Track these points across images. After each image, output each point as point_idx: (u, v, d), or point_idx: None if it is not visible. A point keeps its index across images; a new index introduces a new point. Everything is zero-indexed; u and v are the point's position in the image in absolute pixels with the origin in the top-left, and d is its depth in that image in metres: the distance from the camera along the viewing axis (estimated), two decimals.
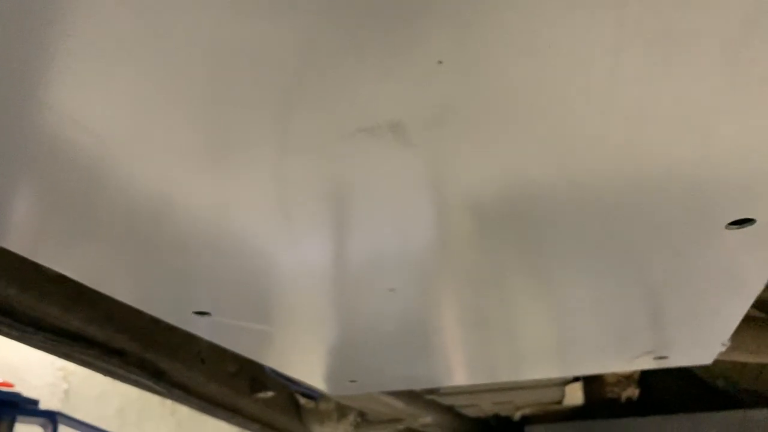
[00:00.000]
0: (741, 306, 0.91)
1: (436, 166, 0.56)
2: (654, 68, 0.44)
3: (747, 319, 1.52)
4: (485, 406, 1.86)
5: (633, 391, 1.79)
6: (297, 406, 1.93)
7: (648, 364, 1.19)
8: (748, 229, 0.68)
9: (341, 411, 1.87)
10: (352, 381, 1.28)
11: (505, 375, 1.37)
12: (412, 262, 0.75)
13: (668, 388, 1.92)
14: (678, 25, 0.40)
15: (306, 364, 1.19)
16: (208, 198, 0.60)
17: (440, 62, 0.41)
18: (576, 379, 1.70)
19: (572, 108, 0.48)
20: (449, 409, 1.86)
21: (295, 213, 0.63)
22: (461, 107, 0.47)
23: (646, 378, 1.89)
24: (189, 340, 1.45)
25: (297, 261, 0.74)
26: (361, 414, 1.89)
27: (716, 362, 1.55)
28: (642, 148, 0.53)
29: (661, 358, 1.16)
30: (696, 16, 0.40)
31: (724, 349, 1.12)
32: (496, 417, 1.97)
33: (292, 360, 1.17)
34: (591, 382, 1.78)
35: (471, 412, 1.92)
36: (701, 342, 1.08)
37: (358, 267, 0.76)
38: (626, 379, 1.79)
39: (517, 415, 1.91)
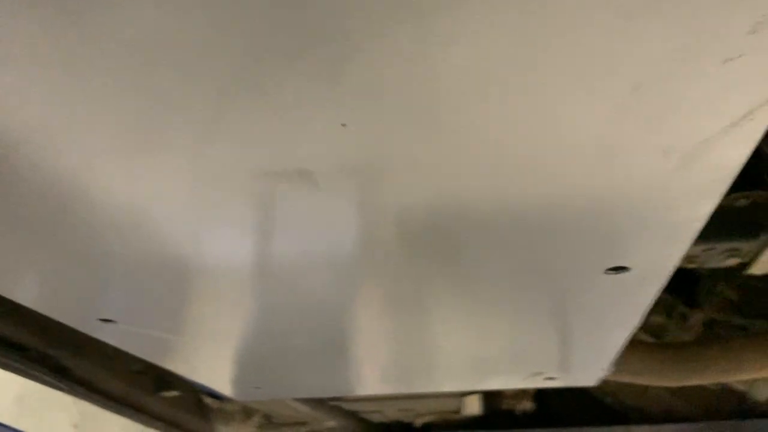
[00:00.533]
0: (620, 338, 1.00)
1: (349, 206, 0.60)
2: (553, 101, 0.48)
3: (635, 343, 1.64)
4: (389, 413, 1.92)
5: (528, 405, 1.89)
6: (202, 406, 1.93)
7: (538, 383, 1.27)
8: (623, 276, 0.75)
9: (246, 412, 1.89)
10: (257, 387, 1.31)
11: (409, 387, 1.42)
12: (325, 277, 0.78)
13: (562, 403, 2.03)
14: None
15: (210, 370, 1.20)
16: (117, 197, 0.59)
17: (344, 125, 0.45)
18: (475, 390, 1.78)
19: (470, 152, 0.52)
20: (353, 414, 1.91)
21: (207, 221, 0.65)
22: (367, 163, 0.51)
23: (542, 392, 1.99)
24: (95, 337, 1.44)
25: (206, 271, 0.76)
26: (266, 416, 1.91)
27: (605, 380, 1.67)
28: (548, 182, 0.57)
29: (550, 378, 1.24)
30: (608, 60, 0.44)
31: (605, 374, 1.21)
32: (399, 423, 2.04)
33: (196, 366, 1.19)
34: (490, 394, 1.87)
35: (375, 418, 1.97)
36: (585, 367, 1.16)
37: (269, 279, 0.78)
38: (523, 392, 1.89)
39: (419, 422, 1.98)
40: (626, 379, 1.60)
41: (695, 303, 1.76)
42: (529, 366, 1.17)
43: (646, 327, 1.81)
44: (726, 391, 1.90)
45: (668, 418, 1.95)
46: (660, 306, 1.79)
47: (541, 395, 2.00)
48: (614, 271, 0.74)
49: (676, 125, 0.49)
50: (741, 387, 1.86)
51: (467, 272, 0.77)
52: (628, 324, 0.92)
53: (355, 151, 0.48)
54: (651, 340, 1.80)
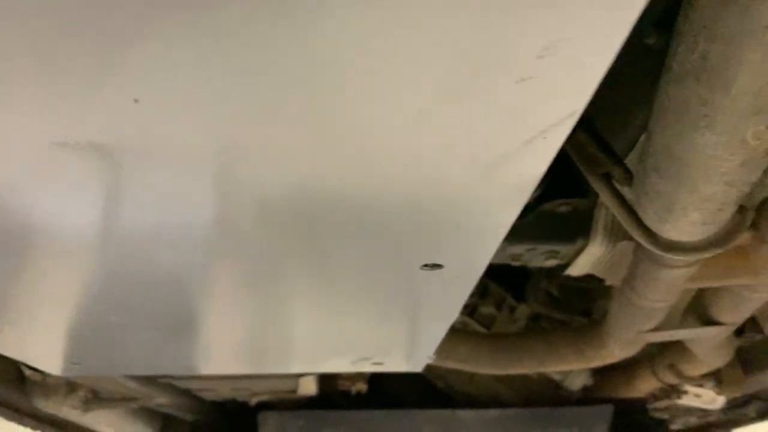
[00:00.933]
0: (440, 329, 1.04)
1: (157, 184, 0.57)
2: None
3: (463, 332, 1.72)
4: (222, 391, 1.89)
5: (362, 386, 1.94)
6: (22, 378, 1.80)
7: (366, 368, 1.30)
8: (438, 273, 0.78)
9: (70, 386, 1.78)
10: (75, 363, 1.24)
11: (243, 368, 1.41)
12: (150, 254, 0.74)
13: (396, 385, 2.10)
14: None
15: (22, 342, 1.12)
16: None
17: (136, 101, 0.43)
18: (310, 372, 1.79)
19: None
20: (186, 392, 1.86)
21: (16, 189, 0.59)
22: (167, 140, 0.49)
23: (377, 375, 2.04)
24: None
25: (21, 241, 0.70)
26: (93, 391, 1.82)
27: (437, 366, 1.74)
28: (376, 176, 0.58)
29: (377, 363, 1.27)
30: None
31: (430, 361, 1.26)
32: (234, 401, 2.01)
33: (6, 336, 1.10)
34: (326, 375, 1.89)
35: (208, 396, 1.94)
36: (409, 354, 1.20)
37: (88, 252, 0.74)
38: (358, 374, 1.93)
39: (254, 401, 1.97)
40: (454, 365, 1.68)
41: (523, 298, 1.88)
42: (357, 351, 1.19)
43: (476, 317, 1.91)
44: (545, 379, 2.05)
45: (493, 403, 2.07)
46: (491, 298, 1.89)
47: (376, 377, 2.05)
48: (429, 268, 0.76)
49: (477, 138, 0.51)
50: (557, 377, 2.02)
51: (294, 256, 0.77)
52: (447, 317, 0.96)
53: (150, 128, 0.46)
54: (482, 330, 1.90)
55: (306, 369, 1.45)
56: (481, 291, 1.91)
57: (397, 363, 1.28)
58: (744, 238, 1.03)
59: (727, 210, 0.63)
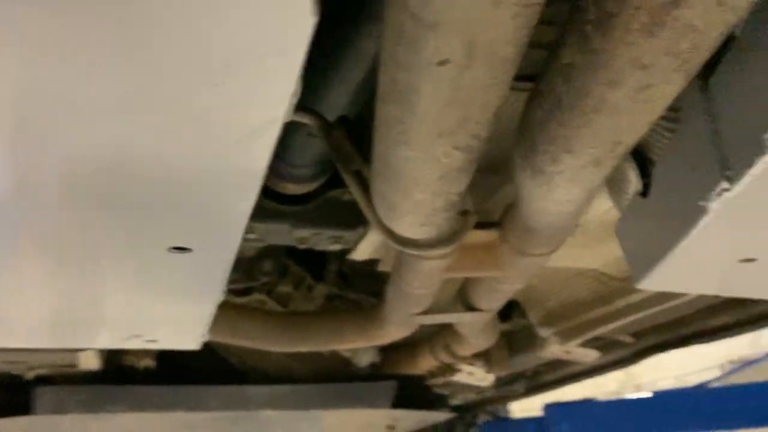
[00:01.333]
0: (204, 311, 1.05)
1: None
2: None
3: (251, 310, 1.74)
4: None
5: (149, 362, 1.90)
6: None
7: (140, 345, 1.29)
8: (188, 256, 0.79)
9: None
10: None
11: (9, 342, 1.33)
12: None
13: (187, 361, 2.08)
14: None
15: None
16: None
17: None
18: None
19: None
20: None
21: None
22: None
23: (167, 350, 2.01)
24: None
25: None
26: None
27: (228, 342, 1.75)
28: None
29: (151, 341, 1.26)
30: None
31: (204, 339, 1.27)
32: (8, 375, 1.89)
33: None
34: (112, 350, 1.84)
35: None
36: (181, 333, 1.21)
37: None
38: (144, 350, 1.89)
39: (30, 375, 1.86)
40: (243, 343, 1.70)
41: (321, 277, 1.94)
42: (126, 328, 1.18)
43: (274, 296, 1.94)
44: (336, 356, 2.13)
45: (286, 379, 2.13)
46: (290, 278, 1.94)
47: (167, 353, 2.02)
48: (178, 251, 0.78)
49: (202, 131, 0.53)
50: (347, 354, 2.11)
51: (53, 224, 0.75)
52: (207, 298, 0.98)
53: None
54: (278, 308, 1.94)
55: (80, 344, 1.41)
56: (280, 270, 1.94)
57: (171, 341, 1.28)
58: (492, 236, 1.15)
59: (440, 215, 0.70)
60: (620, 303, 1.64)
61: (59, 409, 1.86)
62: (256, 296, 1.90)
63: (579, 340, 1.82)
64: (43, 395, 1.85)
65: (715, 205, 0.58)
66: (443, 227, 0.78)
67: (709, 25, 0.42)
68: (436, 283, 1.24)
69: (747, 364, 6.20)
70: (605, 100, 0.48)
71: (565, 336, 1.84)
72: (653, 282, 0.78)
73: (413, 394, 2.40)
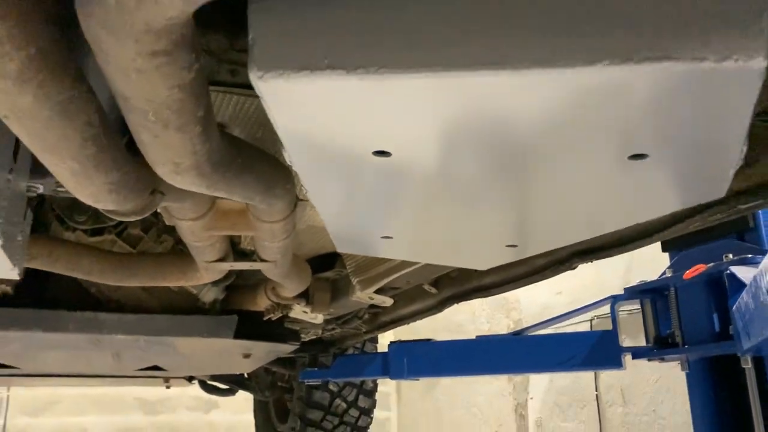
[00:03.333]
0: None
1: None
2: None
3: (91, 248, 2.03)
4: None
5: (6, 288, 2.19)
6: None
7: None
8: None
9: None
10: None
11: None
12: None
13: (52, 289, 2.37)
14: None
15: None
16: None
17: None
18: None
19: None
20: None
21: None
22: None
23: (37, 276, 2.30)
24: None
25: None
26: None
27: None
28: None
29: None
30: None
31: (19, 271, 1.57)
32: None
33: None
34: None
35: None
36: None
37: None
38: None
39: None
40: (80, 276, 1.99)
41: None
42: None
43: (124, 237, 2.24)
44: (185, 292, 2.46)
45: (138, 309, 2.45)
46: (138, 222, 2.23)
47: (34, 278, 2.31)
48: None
49: None
50: (194, 290, 2.44)
51: None
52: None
53: None
54: (128, 249, 2.23)
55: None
56: None
57: None
58: (241, 204, 1.47)
59: (126, 194, 1.00)
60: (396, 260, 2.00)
61: None
62: (107, 236, 2.20)
63: (375, 288, 2.18)
64: None
65: None
66: (137, 204, 1.08)
67: None
68: (205, 239, 1.55)
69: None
70: None
71: (365, 284, 2.20)
72: None
73: (268, 328, 2.77)
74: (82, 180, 0.91)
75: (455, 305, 2.54)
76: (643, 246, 1.78)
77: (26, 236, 1.52)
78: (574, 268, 1.96)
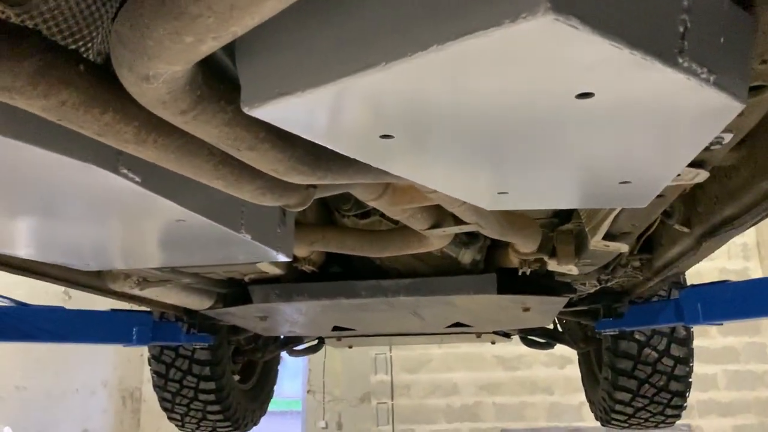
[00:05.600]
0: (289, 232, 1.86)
1: None
2: None
3: (353, 230, 2.50)
4: (220, 273, 2.86)
5: (310, 268, 2.81)
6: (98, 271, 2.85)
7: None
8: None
9: (125, 274, 2.81)
10: (89, 263, 2.19)
11: None
12: None
13: (345, 264, 2.96)
14: None
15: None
16: None
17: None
18: None
19: None
20: (197, 274, 2.84)
21: None
22: None
23: (331, 257, 2.90)
24: None
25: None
26: (142, 276, 2.84)
27: None
28: None
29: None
30: None
31: (288, 254, 2.09)
32: (234, 279, 2.99)
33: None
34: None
35: (213, 276, 2.91)
36: (271, 254, 2.03)
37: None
38: (308, 259, 2.79)
39: (247, 278, 2.93)
40: (346, 251, 2.48)
41: None
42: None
43: (386, 217, 2.68)
44: (447, 255, 2.80)
45: (413, 274, 2.88)
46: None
47: (330, 259, 2.91)
48: None
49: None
50: (453, 253, 2.76)
51: None
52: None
53: None
54: (392, 225, 2.67)
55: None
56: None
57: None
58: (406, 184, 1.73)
59: (281, 193, 1.37)
60: None
61: (265, 299, 2.90)
62: (374, 218, 2.67)
63: (600, 234, 2.22)
64: (255, 291, 2.90)
65: None
66: (296, 198, 1.44)
67: None
68: (399, 213, 1.86)
69: None
70: None
71: (593, 232, 2.25)
72: None
73: (538, 282, 2.97)
74: (234, 190, 1.30)
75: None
76: None
77: (288, 229, 2.03)
78: None
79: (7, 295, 3.27)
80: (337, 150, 1.10)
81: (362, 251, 2.47)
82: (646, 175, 1.26)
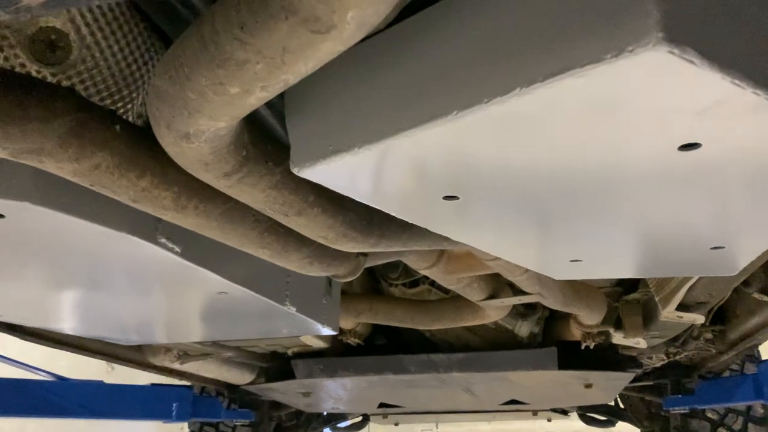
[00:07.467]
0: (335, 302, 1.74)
1: None
2: None
3: (402, 301, 2.37)
4: (262, 347, 2.74)
5: (354, 341, 2.67)
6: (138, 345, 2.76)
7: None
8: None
9: (166, 348, 2.71)
10: (137, 339, 2.10)
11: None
12: None
13: (392, 337, 2.81)
14: None
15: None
16: None
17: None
18: None
19: None
20: (239, 348, 2.73)
21: None
22: None
23: (377, 329, 2.76)
24: None
25: None
26: (183, 350, 2.74)
27: None
28: None
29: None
30: None
31: (335, 328, 1.96)
32: (277, 353, 2.86)
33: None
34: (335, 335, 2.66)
35: (255, 350, 2.79)
36: (316, 328, 1.91)
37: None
38: (354, 332, 2.65)
39: (290, 352, 2.80)
40: (395, 323, 2.34)
41: None
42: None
43: (437, 286, 2.54)
44: (502, 328, 2.63)
45: (465, 348, 2.71)
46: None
47: (376, 331, 2.77)
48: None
49: None
50: (509, 326, 2.59)
51: None
52: None
53: None
54: (442, 295, 2.53)
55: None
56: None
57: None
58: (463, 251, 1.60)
59: (329, 262, 1.26)
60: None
61: (309, 374, 2.75)
62: (423, 287, 2.53)
63: (674, 304, 2.04)
64: (298, 365, 2.76)
65: None
66: (345, 268, 1.32)
67: None
68: (454, 282, 1.73)
69: None
70: None
71: (665, 302, 2.07)
72: None
73: (603, 356, 2.77)
74: (280, 260, 1.19)
75: None
76: None
77: (334, 300, 1.91)
78: None
79: (49, 369, 3.21)
80: (392, 213, 0.98)
81: (412, 323, 2.32)
82: (743, 239, 1.11)
